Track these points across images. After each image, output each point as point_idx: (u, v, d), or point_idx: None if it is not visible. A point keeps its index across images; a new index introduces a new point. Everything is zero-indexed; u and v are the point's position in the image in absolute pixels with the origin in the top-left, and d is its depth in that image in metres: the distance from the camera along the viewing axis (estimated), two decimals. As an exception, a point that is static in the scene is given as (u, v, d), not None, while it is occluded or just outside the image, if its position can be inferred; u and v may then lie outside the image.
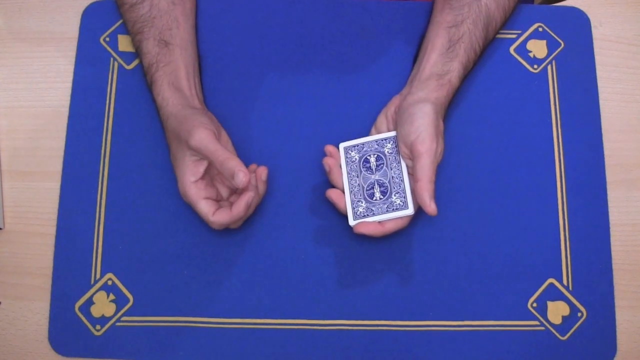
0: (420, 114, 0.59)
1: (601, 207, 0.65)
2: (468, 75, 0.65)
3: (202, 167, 0.59)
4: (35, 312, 0.62)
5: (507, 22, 0.68)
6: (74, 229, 0.63)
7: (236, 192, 0.62)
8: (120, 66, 0.68)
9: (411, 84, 0.64)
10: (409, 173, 0.61)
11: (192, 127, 0.57)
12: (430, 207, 0.56)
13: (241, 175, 0.55)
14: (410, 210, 0.59)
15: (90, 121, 0.66)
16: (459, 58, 0.62)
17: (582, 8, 0.71)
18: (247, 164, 0.63)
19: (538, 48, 0.69)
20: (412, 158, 0.58)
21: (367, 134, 0.65)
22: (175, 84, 0.62)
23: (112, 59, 0.68)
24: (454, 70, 0.62)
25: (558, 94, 0.68)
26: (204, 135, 0.57)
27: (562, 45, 0.69)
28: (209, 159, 0.57)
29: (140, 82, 0.67)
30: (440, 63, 0.62)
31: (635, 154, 0.67)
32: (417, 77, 0.63)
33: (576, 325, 0.62)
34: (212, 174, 0.61)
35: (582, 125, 0.67)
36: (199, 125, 0.57)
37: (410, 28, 0.69)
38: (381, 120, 0.64)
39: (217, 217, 0.58)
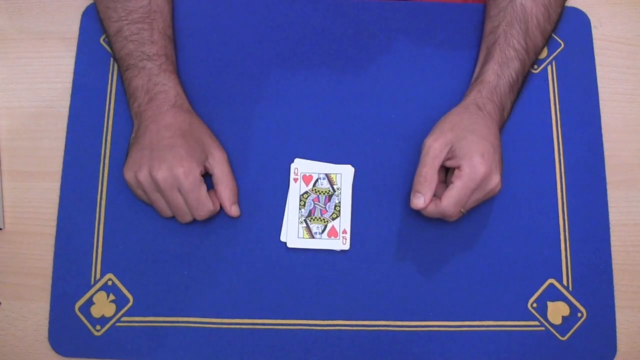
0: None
1: (601, 207, 0.65)
2: (521, 69, 0.64)
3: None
4: (35, 312, 0.62)
5: (561, 14, 0.67)
6: (74, 229, 0.63)
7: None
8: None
9: None
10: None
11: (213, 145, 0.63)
12: (412, 203, 0.59)
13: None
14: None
15: (90, 121, 0.66)
16: (494, 59, 0.63)
17: (582, 8, 0.71)
18: (246, 164, 0.64)
19: (538, 48, 0.69)
20: None
21: (366, 133, 0.65)
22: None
23: (112, 59, 0.68)
24: (488, 70, 0.63)
25: (558, 94, 0.68)
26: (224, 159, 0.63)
27: (562, 45, 0.69)
28: (222, 180, 0.62)
29: (140, 82, 0.67)
30: (477, 72, 0.65)
31: (635, 154, 0.67)
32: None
33: (576, 326, 0.62)
34: None
35: (582, 125, 0.67)
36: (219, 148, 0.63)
37: (410, 28, 0.69)
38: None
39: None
